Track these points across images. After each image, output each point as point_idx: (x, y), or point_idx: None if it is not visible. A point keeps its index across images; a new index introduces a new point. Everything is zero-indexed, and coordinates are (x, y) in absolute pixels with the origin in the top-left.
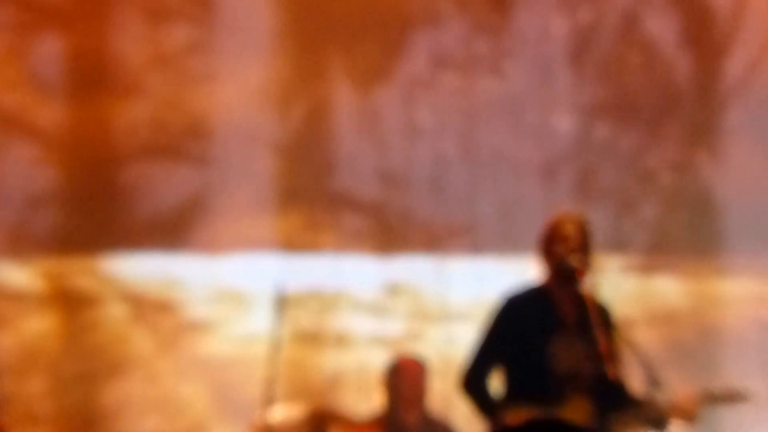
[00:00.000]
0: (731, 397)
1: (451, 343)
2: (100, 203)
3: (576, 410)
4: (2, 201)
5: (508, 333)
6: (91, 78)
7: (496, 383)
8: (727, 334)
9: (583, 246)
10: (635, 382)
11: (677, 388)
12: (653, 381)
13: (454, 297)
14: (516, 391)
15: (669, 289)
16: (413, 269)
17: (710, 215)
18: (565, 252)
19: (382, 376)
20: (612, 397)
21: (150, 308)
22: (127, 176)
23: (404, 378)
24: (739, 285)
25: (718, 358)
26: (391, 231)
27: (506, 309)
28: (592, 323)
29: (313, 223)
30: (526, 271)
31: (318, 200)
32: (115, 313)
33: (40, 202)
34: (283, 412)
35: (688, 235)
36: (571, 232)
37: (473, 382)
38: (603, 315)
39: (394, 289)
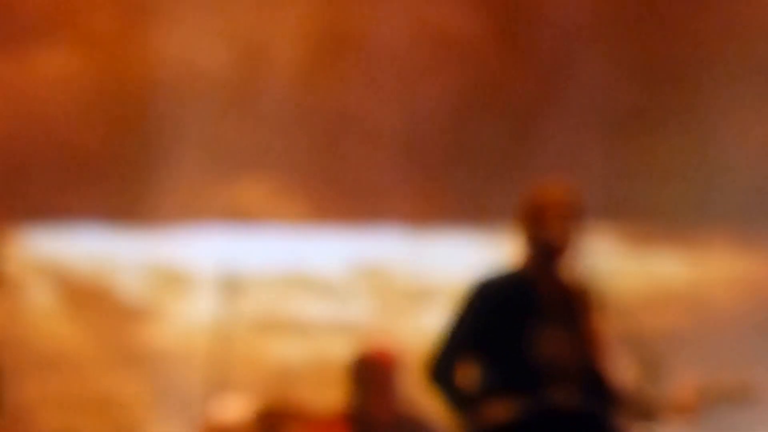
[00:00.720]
0: (734, 396)
1: (425, 330)
2: (21, 167)
3: (558, 402)
4: None
5: (483, 320)
6: (20, 27)
7: (470, 374)
8: (729, 314)
9: (566, 220)
10: (630, 371)
11: (676, 379)
12: (648, 371)
13: (429, 276)
14: (494, 383)
15: (665, 262)
16: (383, 245)
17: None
18: (546, 228)
19: (349, 368)
20: (597, 388)
21: (80, 292)
22: (55, 135)
23: (374, 371)
24: (740, 259)
25: (720, 340)
26: (358, 201)
27: (480, 294)
28: (576, 307)
29: (268, 192)
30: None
31: (274, 165)
32: (38, 298)
33: None
34: (232, 409)
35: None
36: (553, 204)
37: (442, 373)
38: (588, 298)
39: (360, 269)
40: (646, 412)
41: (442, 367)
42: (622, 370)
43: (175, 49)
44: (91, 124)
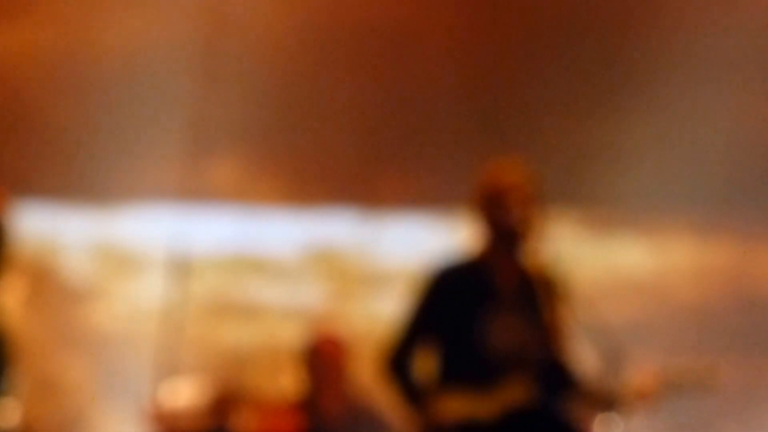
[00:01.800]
0: (696, 380)
1: (380, 316)
2: None
3: (516, 393)
4: None
5: (438, 309)
6: None
7: (425, 365)
8: (691, 303)
9: (526, 204)
10: (591, 361)
11: (637, 367)
12: (609, 360)
13: (384, 260)
14: (449, 374)
15: (628, 247)
16: (337, 228)
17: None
18: (505, 212)
19: (299, 355)
20: (557, 378)
21: (24, 272)
22: (10, 111)
23: (322, 359)
24: (712, 248)
25: (682, 329)
26: (311, 183)
27: (435, 282)
28: (536, 296)
29: (222, 173)
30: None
31: (228, 146)
32: None
33: None
34: (182, 394)
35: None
36: (512, 187)
37: (396, 364)
38: (549, 286)
39: (313, 252)
40: (607, 401)
41: (395, 359)
42: (583, 359)
43: (137, 23)
44: (45, 100)
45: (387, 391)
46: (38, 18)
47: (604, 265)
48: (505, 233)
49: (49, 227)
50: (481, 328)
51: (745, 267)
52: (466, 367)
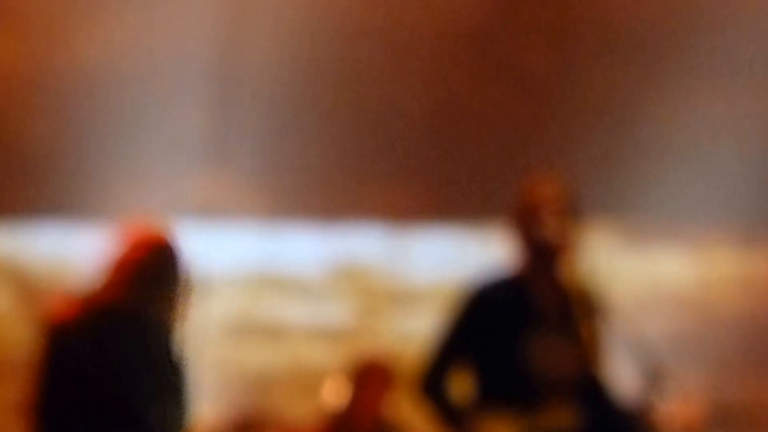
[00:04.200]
0: (744, 412)
1: (410, 335)
2: None
3: (558, 417)
4: None
5: (476, 329)
6: None
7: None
8: (739, 317)
9: (563, 218)
10: (632, 378)
11: (680, 391)
12: (650, 378)
13: (412, 276)
14: (488, 397)
15: (668, 259)
16: (363, 243)
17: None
18: (541, 227)
19: (341, 377)
20: (599, 402)
21: (36, 293)
22: (10, 127)
23: (368, 380)
24: (747, 255)
25: (731, 347)
26: (337, 196)
27: (473, 301)
28: (576, 315)
29: (240, 186)
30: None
31: (246, 158)
32: None
33: None
34: (206, 417)
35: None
36: (547, 200)
37: (432, 385)
38: (589, 304)
39: (338, 269)
40: (649, 428)
41: (432, 379)
42: (623, 378)
43: (135, 36)
44: (46, 118)
45: (423, 411)
46: (34, 36)
47: (643, 277)
48: (542, 248)
49: (63, 249)
50: (523, 349)
51: None
52: (508, 390)
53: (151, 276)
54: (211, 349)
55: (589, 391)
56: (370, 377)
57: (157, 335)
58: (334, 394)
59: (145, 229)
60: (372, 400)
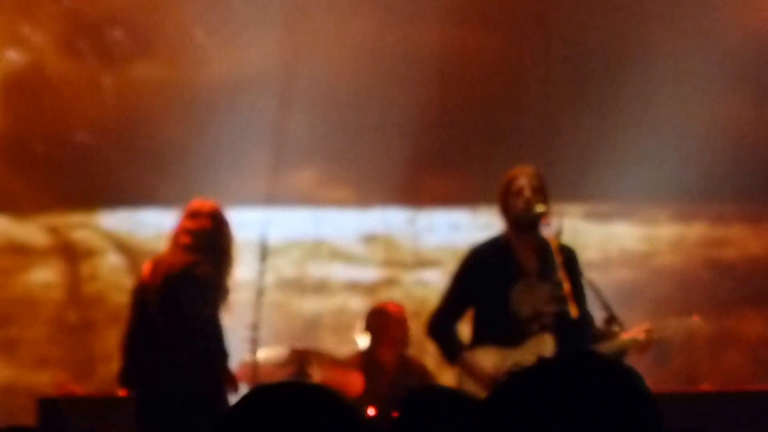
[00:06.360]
0: (682, 329)
1: (423, 289)
2: (108, 159)
3: (539, 347)
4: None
5: (472, 281)
6: (120, 45)
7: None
8: (679, 275)
9: (535, 187)
10: (595, 321)
11: (631, 325)
12: (611, 319)
13: (426, 245)
14: (481, 334)
15: (625, 233)
16: (390, 222)
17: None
18: (522, 203)
19: (365, 318)
20: (575, 334)
21: (144, 259)
22: (141, 132)
23: (389, 320)
24: (692, 229)
25: (670, 297)
26: (367, 182)
27: (469, 258)
28: (555, 266)
29: (313, 180)
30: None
31: (302, 156)
32: (112, 263)
33: (39, 160)
34: (268, 352)
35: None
36: (521, 174)
37: (437, 328)
38: (567, 258)
39: (372, 240)
40: (615, 352)
41: (437, 323)
42: (594, 317)
43: (239, 55)
44: (169, 123)
45: (433, 348)
46: (169, 59)
47: (602, 242)
48: (520, 213)
49: (162, 225)
50: (509, 295)
51: (715, 239)
52: (498, 327)
53: (204, 241)
54: (272, 301)
55: (567, 325)
56: (386, 314)
57: (204, 290)
58: (363, 335)
59: (200, 205)
60: (391, 338)
